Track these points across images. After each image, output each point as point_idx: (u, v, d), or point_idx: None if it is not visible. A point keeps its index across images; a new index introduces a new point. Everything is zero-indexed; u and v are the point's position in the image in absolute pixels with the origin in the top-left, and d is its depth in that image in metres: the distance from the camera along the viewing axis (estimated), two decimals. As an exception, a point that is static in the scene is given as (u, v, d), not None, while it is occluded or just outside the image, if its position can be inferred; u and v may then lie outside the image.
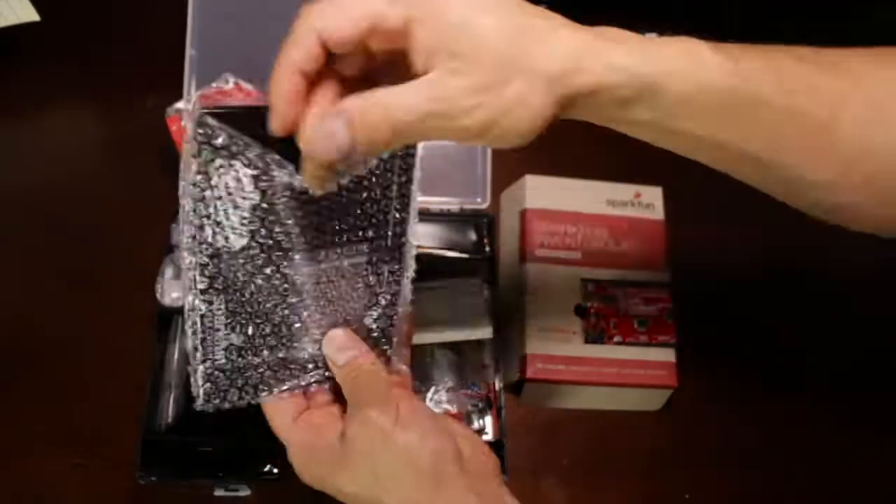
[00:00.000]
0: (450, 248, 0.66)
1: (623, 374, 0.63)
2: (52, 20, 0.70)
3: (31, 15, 0.68)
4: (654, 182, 0.69)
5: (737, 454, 0.66)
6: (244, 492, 0.59)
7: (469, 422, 0.61)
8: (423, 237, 0.65)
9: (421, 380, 0.61)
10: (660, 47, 0.37)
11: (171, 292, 0.61)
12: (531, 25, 0.36)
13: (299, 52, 0.36)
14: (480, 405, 0.61)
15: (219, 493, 0.59)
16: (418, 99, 0.34)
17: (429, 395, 0.61)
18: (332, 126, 0.35)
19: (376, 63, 0.37)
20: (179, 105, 0.64)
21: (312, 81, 0.36)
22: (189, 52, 0.68)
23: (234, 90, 0.65)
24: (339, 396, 0.45)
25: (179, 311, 0.61)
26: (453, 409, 0.60)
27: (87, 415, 0.62)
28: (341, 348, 0.44)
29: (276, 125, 0.36)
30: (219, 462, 0.58)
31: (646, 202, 0.68)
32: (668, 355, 0.64)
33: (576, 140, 0.75)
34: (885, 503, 0.66)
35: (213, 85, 0.65)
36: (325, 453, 0.43)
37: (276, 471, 0.59)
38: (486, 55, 0.34)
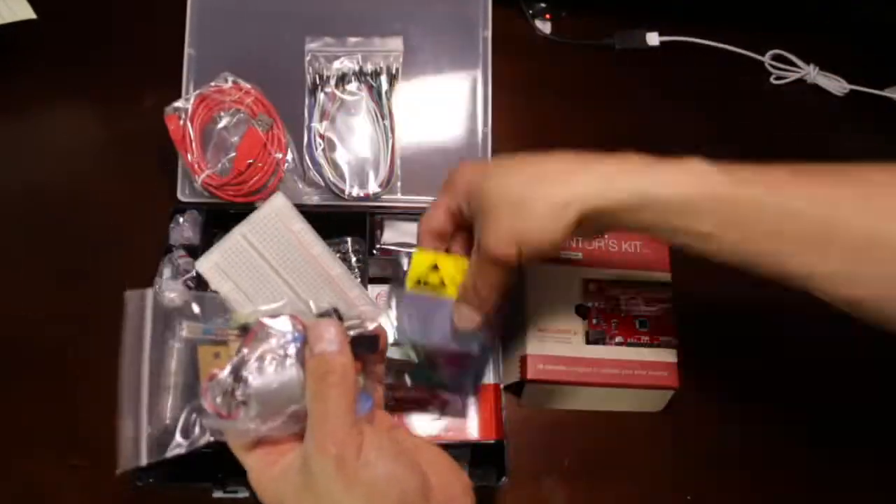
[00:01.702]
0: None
1: (624, 375, 0.63)
2: (52, 20, 0.70)
3: (28, 13, 0.68)
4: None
5: (738, 455, 0.66)
6: (242, 494, 0.58)
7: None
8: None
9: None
10: (659, 168, 0.46)
11: (169, 292, 0.61)
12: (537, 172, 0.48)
13: (428, 238, 0.53)
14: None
15: (217, 495, 0.58)
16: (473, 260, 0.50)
17: None
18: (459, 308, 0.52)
19: None
20: (178, 104, 0.64)
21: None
22: (188, 51, 0.68)
23: (232, 89, 0.65)
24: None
25: (178, 310, 0.61)
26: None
27: (85, 415, 0.62)
28: (328, 339, 0.40)
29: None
30: (217, 464, 0.58)
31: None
32: (669, 356, 0.63)
33: (576, 140, 0.75)
34: (885, 502, 0.66)
35: (212, 84, 0.65)
36: (284, 482, 0.40)
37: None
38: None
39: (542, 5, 0.80)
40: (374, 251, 0.64)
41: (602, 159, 0.47)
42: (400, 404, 0.59)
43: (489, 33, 0.70)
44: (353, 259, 0.65)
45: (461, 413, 0.60)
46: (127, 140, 0.71)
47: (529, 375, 0.61)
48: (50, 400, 0.62)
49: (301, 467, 0.40)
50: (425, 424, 0.59)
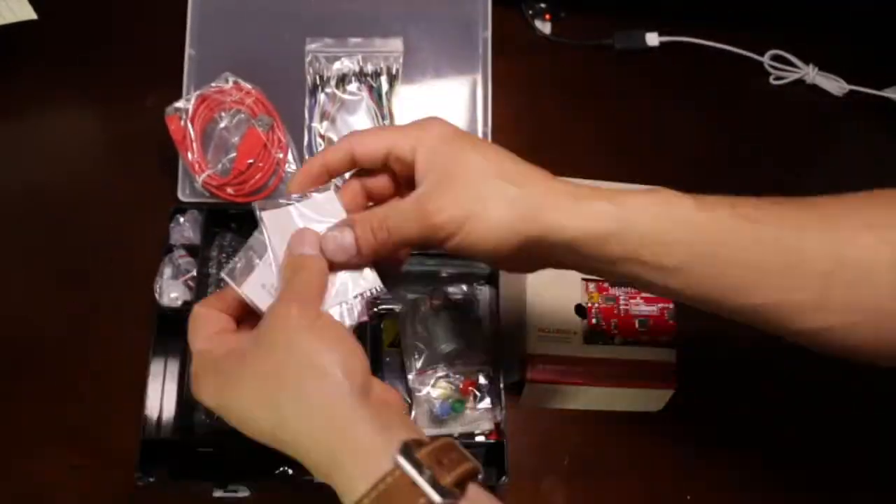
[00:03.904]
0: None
1: (624, 375, 0.63)
2: (52, 20, 0.70)
3: (29, 13, 0.68)
4: (654, 182, 0.69)
5: (738, 455, 0.66)
6: (243, 493, 0.58)
7: (479, 393, 0.60)
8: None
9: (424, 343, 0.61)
10: (629, 195, 0.43)
11: (169, 292, 0.61)
12: (513, 170, 0.44)
13: (333, 154, 0.47)
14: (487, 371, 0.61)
15: (217, 494, 0.58)
16: (406, 204, 0.44)
17: (439, 368, 0.60)
18: (340, 230, 0.45)
19: (399, 189, 0.48)
20: (179, 104, 0.64)
21: (331, 178, 0.48)
22: (188, 51, 0.68)
23: (232, 89, 0.65)
24: None
25: (178, 310, 0.61)
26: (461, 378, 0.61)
27: (86, 415, 0.62)
28: (307, 242, 0.44)
29: (292, 189, 0.47)
30: (218, 463, 0.58)
31: (646, 202, 0.67)
32: (669, 356, 0.63)
33: (576, 140, 0.75)
34: (886, 501, 0.66)
35: (213, 84, 0.65)
36: (227, 361, 0.41)
37: (275, 472, 0.59)
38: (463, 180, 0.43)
39: (542, 5, 0.80)
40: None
41: (569, 183, 0.44)
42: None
43: (489, 33, 0.70)
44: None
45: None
46: (127, 140, 0.71)
47: (529, 376, 0.61)
48: (50, 400, 0.62)
49: (249, 338, 0.42)
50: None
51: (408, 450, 0.36)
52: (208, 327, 0.44)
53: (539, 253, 0.44)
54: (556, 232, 0.43)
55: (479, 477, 0.38)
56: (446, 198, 0.43)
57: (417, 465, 0.36)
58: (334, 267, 0.45)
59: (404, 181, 0.47)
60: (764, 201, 0.44)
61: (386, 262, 0.47)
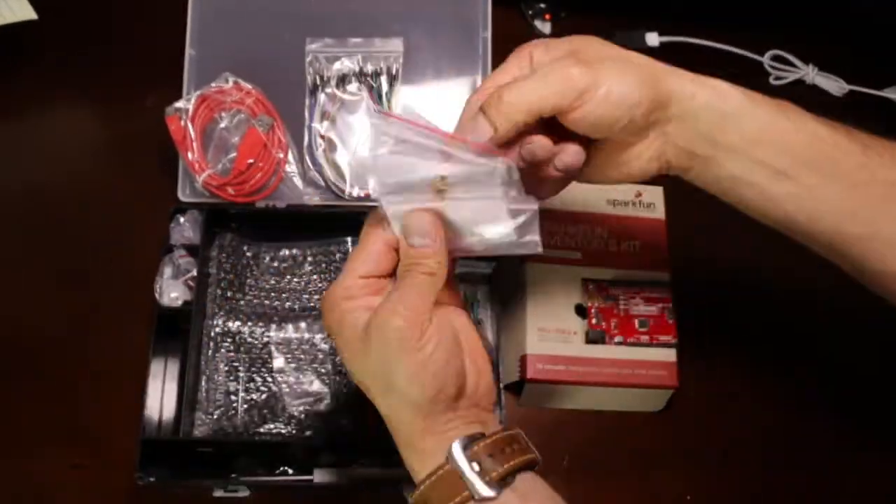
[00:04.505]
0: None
1: (624, 375, 0.63)
2: (53, 19, 0.70)
3: (29, 13, 0.68)
4: (654, 181, 0.69)
5: (738, 455, 0.66)
6: (243, 493, 0.58)
7: None
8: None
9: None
10: (755, 92, 0.44)
11: (169, 292, 0.61)
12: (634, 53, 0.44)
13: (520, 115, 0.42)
14: None
15: (217, 493, 0.58)
16: (540, 71, 0.42)
17: None
18: (474, 113, 0.42)
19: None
20: (179, 104, 0.64)
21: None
22: (188, 51, 0.68)
23: (232, 89, 0.65)
24: None
25: (178, 310, 0.61)
26: None
27: (86, 415, 0.62)
28: (422, 232, 0.42)
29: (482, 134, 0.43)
30: (218, 463, 0.58)
31: (647, 202, 0.67)
32: (669, 355, 0.63)
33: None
34: (885, 502, 0.66)
35: (213, 84, 0.65)
36: (354, 322, 0.42)
37: (275, 472, 0.59)
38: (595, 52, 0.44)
39: (542, 5, 0.80)
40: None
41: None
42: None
43: (489, 34, 0.70)
44: (354, 259, 0.66)
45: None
46: (127, 140, 0.71)
47: (529, 375, 0.61)
48: (50, 400, 0.62)
49: (365, 326, 0.41)
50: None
51: (466, 444, 0.40)
52: (363, 264, 0.43)
53: (658, 129, 0.44)
54: (685, 98, 0.43)
55: (536, 468, 0.42)
56: (581, 63, 0.42)
57: (470, 460, 0.40)
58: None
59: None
60: (877, 137, 0.44)
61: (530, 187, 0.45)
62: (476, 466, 0.40)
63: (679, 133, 0.44)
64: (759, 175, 0.44)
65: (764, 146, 0.43)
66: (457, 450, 0.40)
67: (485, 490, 0.39)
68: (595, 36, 0.45)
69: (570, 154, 0.44)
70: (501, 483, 0.40)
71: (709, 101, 0.43)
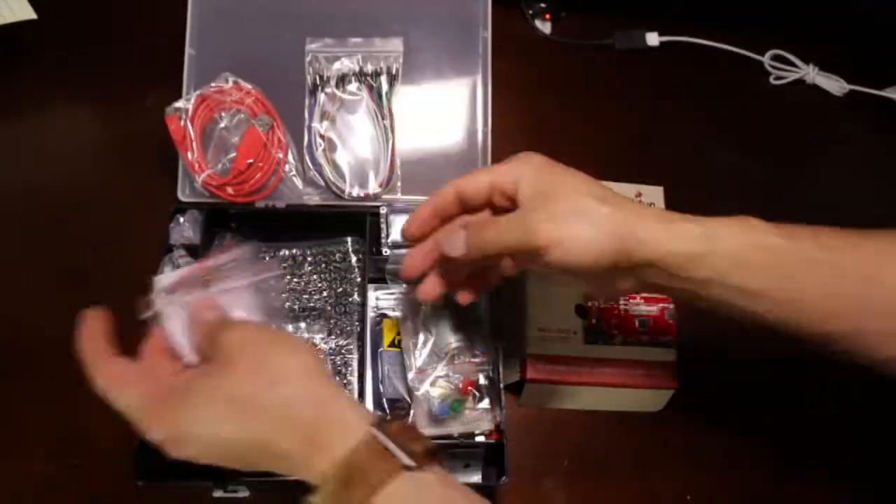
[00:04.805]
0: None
1: (624, 375, 0.63)
2: (53, 19, 0.70)
3: (29, 13, 0.68)
4: (654, 182, 0.69)
5: (738, 455, 0.66)
6: (243, 493, 0.58)
7: (478, 393, 0.60)
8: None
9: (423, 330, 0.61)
10: (715, 220, 0.46)
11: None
12: (603, 192, 0.47)
13: (442, 198, 0.50)
14: (489, 371, 0.60)
15: (217, 494, 0.58)
16: (514, 215, 0.47)
17: (439, 367, 0.60)
18: (456, 230, 0.50)
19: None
20: (179, 104, 0.64)
21: (442, 221, 0.52)
22: (188, 51, 0.68)
23: (232, 89, 0.65)
24: None
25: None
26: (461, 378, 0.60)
27: (86, 415, 0.62)
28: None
29: (407, 234, 0.52)
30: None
31: (647, 202, 0.67)
32: (669, 356, 0.63)
33: (576, 140, 0.75)
34: (885, 501, 0.66)
35: (213, 84, 0.65)
36: (178, 381, 0.45)
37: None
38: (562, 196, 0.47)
39: (542, 5, 0.80)
40: (383, 249, 0.64)
41: (655, 208, 0.48)
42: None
43: (489, 33, 0.70)
44: (354, 259, 0.66)
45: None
46: (127, 140, 0.71)
47: (529, 375, 0.61)
48: (50, 400, 0.62)
49: (204, 361, 0.46)
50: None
51: (381, 423, 0.42)
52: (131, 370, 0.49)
53: (629, 272, 0.46)
54: (649, 250, 0.45)
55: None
56: (548, 212, 0.46)
57: (389, 436, 0.41)
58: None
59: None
60: (844, 232, 0.46)
61: (486, 277, 0.53)
62: (398, 442, 0.41)
63: (651, 273, 0.46)
64: (738, 297, 0.46)
65: (736, 273, 0.45)
66: (376, 426, 0.42)
67: (410, 463, 0.41)
68: (578, 173, 0.48)
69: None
70: (420, 459, 0.41)
71: (673, 247, 0.45)
